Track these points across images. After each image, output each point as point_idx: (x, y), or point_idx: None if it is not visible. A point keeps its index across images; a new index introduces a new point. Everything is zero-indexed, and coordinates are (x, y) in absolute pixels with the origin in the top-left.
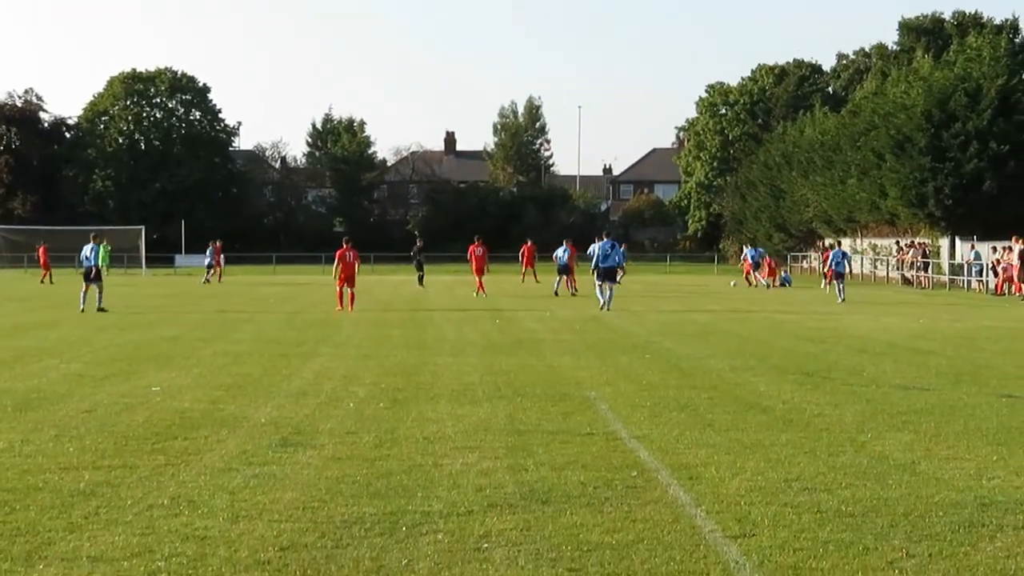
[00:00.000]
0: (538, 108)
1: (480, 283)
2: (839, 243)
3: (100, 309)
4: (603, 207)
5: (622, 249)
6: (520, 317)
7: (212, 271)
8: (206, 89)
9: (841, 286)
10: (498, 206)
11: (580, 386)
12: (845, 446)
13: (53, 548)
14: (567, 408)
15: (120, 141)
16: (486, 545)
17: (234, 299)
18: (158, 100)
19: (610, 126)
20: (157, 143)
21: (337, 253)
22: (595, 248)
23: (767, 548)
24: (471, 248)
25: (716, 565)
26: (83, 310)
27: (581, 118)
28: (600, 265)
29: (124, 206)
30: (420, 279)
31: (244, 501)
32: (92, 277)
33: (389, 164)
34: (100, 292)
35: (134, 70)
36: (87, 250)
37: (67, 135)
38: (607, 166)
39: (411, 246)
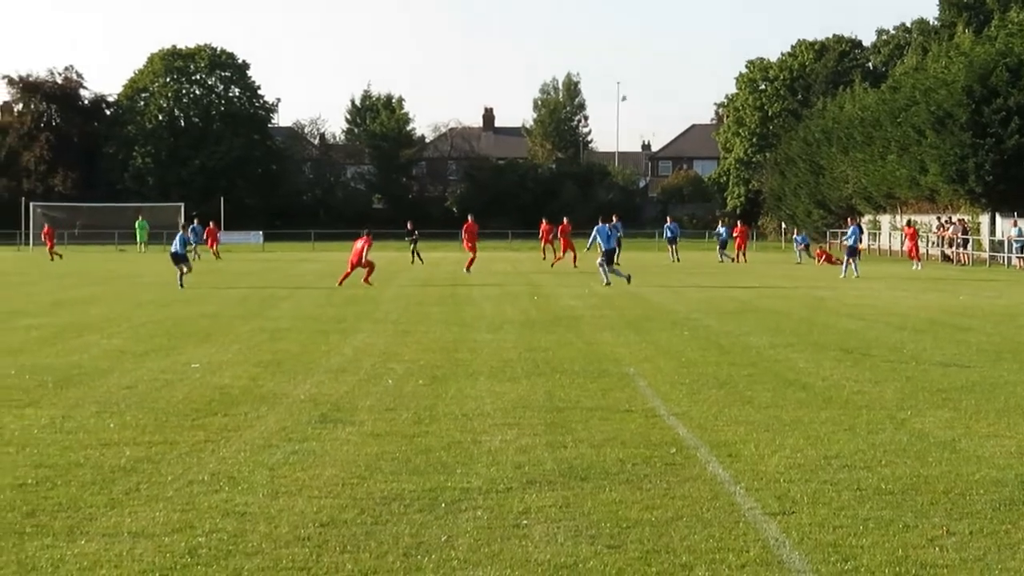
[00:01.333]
0: (577, 84)
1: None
2: (859, 220)
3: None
4: (641, 183)
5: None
6: (558, 294)
7: (195, 249)
8: (245, 66)
9: (855, 262)
10: (536, 182)
11: (619, 363)
12: (885, 423)
13: (94, 523)
14: (606, 385)
15: (160, 118)
16: (525, 522)
17: (273, 276)
18: (198, 77)
19: (649, 102)
20: (196, 120)
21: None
22: (596, 231)
23: (807, 526)
24: (466, 225)
25: (756, 542)
26: (182, 287)
27: (620, 94)
28: (603, 247)
29: (164, 183)
30: (413, 255)
31: (284, 477)
32: (180, 259)
33: (428, 141)
34: (183, 273)
35: (174, 47)
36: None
37: (107, 112)
38: (646, 142)
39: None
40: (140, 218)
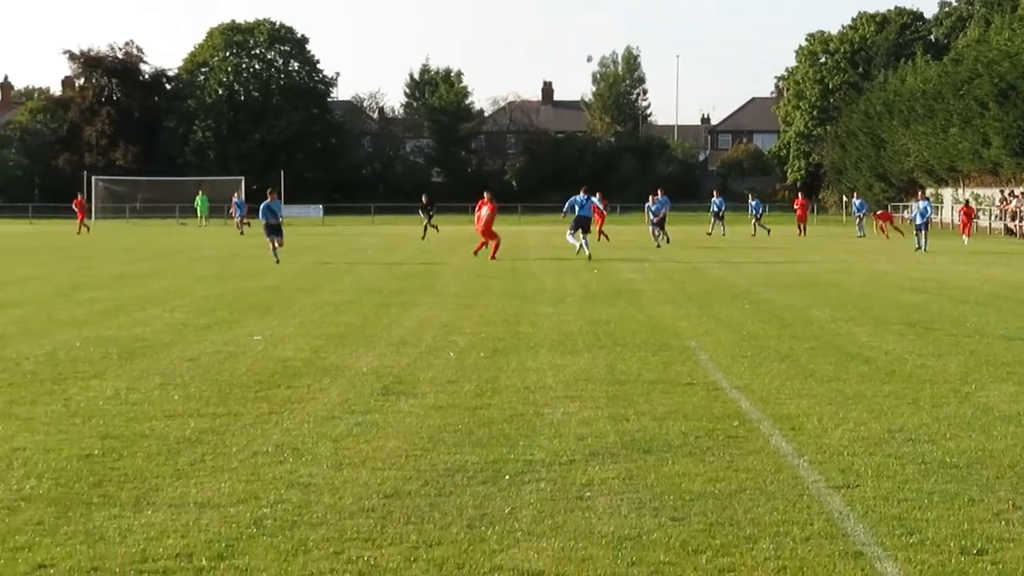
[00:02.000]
0: (636, 57)
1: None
2: (926, 194)
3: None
4: (701, 157)
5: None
6: (619, 267)
7: (240, 222)
8: (304, 40)
9: (926, 236)
10: (595, 156)
11: (680, 336)
12: (948, 397)
13: (161, 494)
14: (667, 358)
15: (219, 92)
16: (588, 494)
17: (334, 249)
18: (257, 51)
19: (709, 75)
20: (256, 94)
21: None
22: (573, 199)
23: (871, 499)
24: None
25: (820, 515)
26: (277, 262)
27: (679, 67)
28: (577, 213)
29: (224, 157)
30: (425, 229)
31: (347, 449)
32: (275, 231)
33: (487, 114)
34: (276, 247)
35: (233, 21)
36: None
37: (167, 87)
38: (705, 115)
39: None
40: (200, 192)
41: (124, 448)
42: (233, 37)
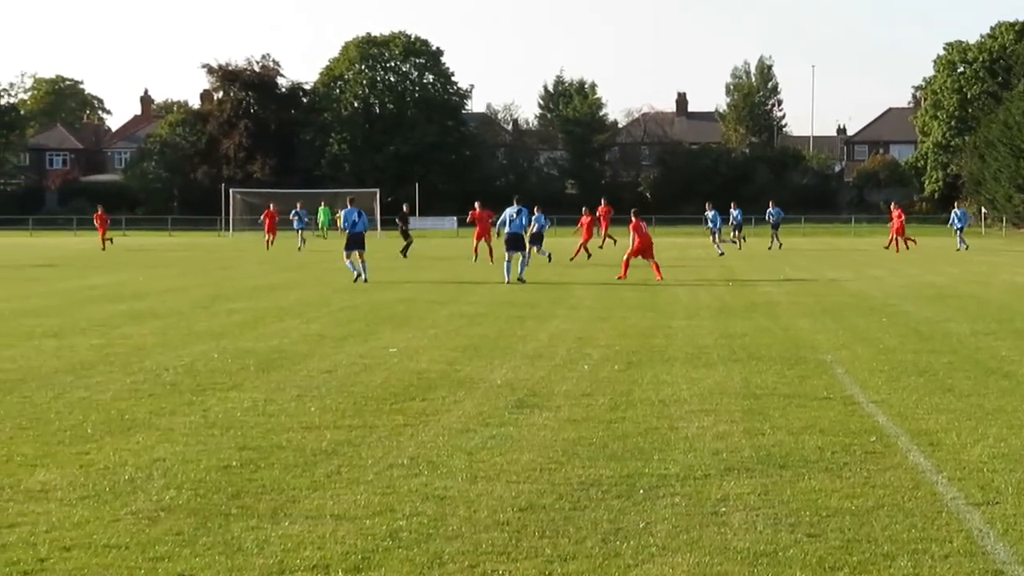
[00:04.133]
0: (770, 68)
1: (476, 248)
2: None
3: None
4: (836, 168)
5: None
6: (754, 280)
7: (301, 234)
8: (439, 52)
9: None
10: (729, 167)
11: (816, 350)
12: None
13: (298, 506)
14: (803, 372)
15: (355, 105)
16: (724, 509)
17: (467, 262)
18: (392, 64)
19: (845, 85)
20: (391, 106)
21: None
22: (505, 213)
23: (1012, 516)
24: (475, 213)
25: (959, 533)
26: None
27: (815, 78)
28: (507, 231)
29: (359, 169)
30: (405, 249)
31: (482, 462)
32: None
33: (621, 126)
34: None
35: (369, 35)
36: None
37: (303, 100)
38: (841, 126)
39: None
40: (323, 204)
41: (262, 459)
42: (368, 50)
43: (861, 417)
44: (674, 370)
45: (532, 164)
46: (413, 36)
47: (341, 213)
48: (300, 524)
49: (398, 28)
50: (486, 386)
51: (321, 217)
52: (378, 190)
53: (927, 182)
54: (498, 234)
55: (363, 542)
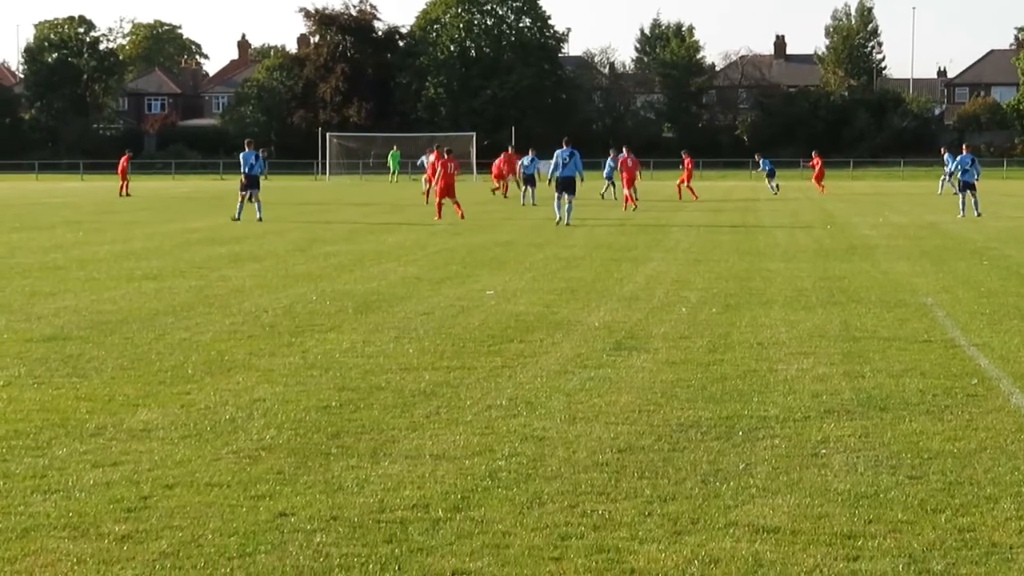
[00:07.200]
0: (870, 10)
1: (498, 185)
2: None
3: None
4: (937, 111)
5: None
6: (853, 223)
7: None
8: None
9: (975, 199)
10: (828, 111)
11: (916, 293)
12: None
13: (397, 446)
14: (903, 315)
15: (451, 49)
16: (824, 451)
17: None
18: (488, 7)
19: (946, 27)
20: (487, 50)
21: (440, 162)
22: (557, 156)
23: None
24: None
25: None
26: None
27: (915, 19)
28: (559, 174)
29: (455, 113)
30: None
31: (580, 403)
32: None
33: (718, 69)
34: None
35: None
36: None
37: (400, 44)
38: (941, 68)
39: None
40: (394, 148)
41: (361, 400)
42: None
43: (962, 360)
44: (772, 313)
45: (628, 108)
46: None
47: (240, 156)
48: (400, 464)
49: None
50: (583, 328)
51: (392, 162)
52: (474, 134)
53: None
54: (549, 181)
55: (462, 482)
